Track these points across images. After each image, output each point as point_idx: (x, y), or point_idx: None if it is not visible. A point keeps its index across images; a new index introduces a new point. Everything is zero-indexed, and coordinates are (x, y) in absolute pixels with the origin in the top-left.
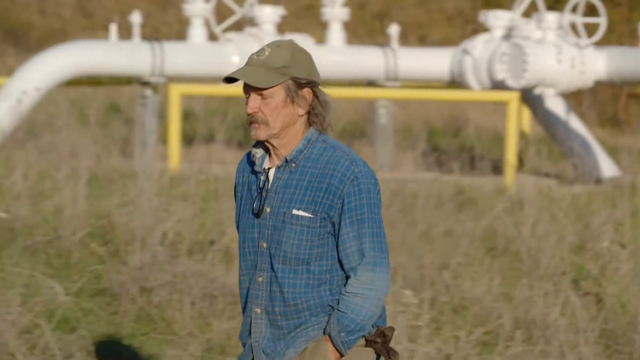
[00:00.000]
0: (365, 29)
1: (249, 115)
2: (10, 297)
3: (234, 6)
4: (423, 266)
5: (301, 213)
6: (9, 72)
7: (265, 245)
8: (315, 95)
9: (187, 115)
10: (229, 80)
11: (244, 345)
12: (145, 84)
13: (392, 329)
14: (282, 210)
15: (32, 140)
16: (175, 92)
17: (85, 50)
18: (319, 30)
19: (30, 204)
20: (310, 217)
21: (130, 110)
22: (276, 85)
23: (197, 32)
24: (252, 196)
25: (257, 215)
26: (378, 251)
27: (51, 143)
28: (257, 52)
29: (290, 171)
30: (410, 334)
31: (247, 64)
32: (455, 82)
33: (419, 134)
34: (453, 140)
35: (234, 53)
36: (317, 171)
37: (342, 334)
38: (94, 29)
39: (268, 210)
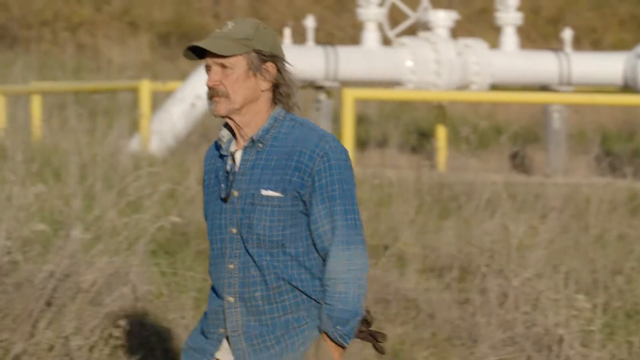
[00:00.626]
0: (538, 33)
1: (209, 88)
2: (184, 301)
3: (407, 10)
4: (596, 271)
5: (270, 193)
6: (182, 76)
7: (235, 230)
8: (279, 71)
9: (361, 120)
10: (192, 54)
11: (205, 335)
12: (319, 88)
13: (368, 312)
14: (251, 192)
15: (205, 144)
16: (349, 96)
17: None
18: (492, 34)
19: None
20: (280, 196)
21: (305, 114)
22: (238, 56)
23: (370, 36)
24: (219, 182)
25: (225, 199)
26: (352, 228)
27: None
28: (221, 26)
29: (258, 151)
30: (583, 339)
31: (210, 37)
32: (629, 87)
33: (592, 139)
34: (626, 145)
35: (408, 57)
36: (285, 149)
37: (338, 327)
38: None
39: (236, 193)
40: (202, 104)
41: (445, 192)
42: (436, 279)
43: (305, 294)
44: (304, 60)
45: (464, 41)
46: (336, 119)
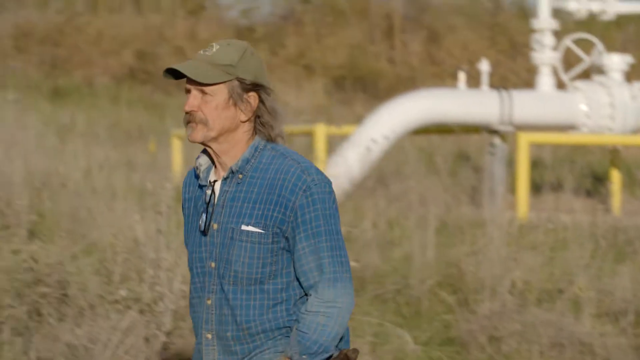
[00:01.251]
0: None
1: (186, 113)
2: (360, 345)
3: (582, 54)
4: None
5: (251, 228)
6: (358, 120)
7: (213, 264)
8: (262, 101)
9: (535, 164)
10: (171, 73)
11: None
12: (494, 132)
13: (355, 351)
14: (231, 226)
15: (381, 188)
16: (524, 140)
17: (434, 99)
18: None
19: (380, 253)
20: (261, 232)
21: (479, 159)
22: (219, 84)
23: (545, 80)
24: (198, 212)
25: (204, 232)
26: (338, 265)
27: (400, 191)
28: (206, 48)
29: (238, 183)
30: None
31: (193, 59)
32: None
33: None
34: None
35: (582, 101)
36: (266, 182)
37: (304, 357)
38: (442, 77)
39: (215, 226)
40: (378, 147)
41: (620, 236)
42: (611, 324)
43: (278, 329)
44: (479, 104)
45: (639, 85)
46: (511, 162)
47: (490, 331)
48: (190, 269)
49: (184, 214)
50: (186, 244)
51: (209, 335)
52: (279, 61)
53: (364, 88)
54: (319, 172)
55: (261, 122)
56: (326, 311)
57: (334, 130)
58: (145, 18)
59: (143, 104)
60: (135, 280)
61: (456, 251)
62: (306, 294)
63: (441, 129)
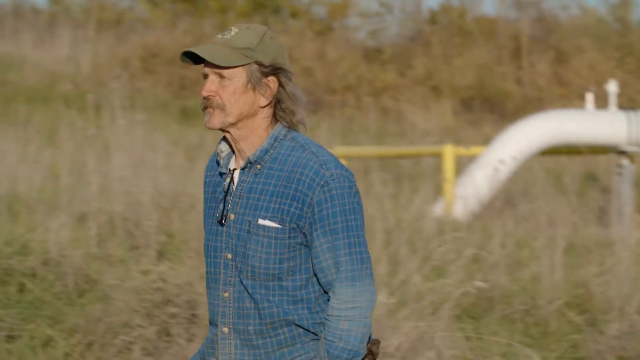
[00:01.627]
0: None
1: (204, 98)
2: None
3: None
4: None
5: (267, 223)
6: (486, 140)
7: (229, 256)
8: (281, 86)
9: None
10: (190, 57)
11: None
12: (622, 153)
13: (376, 342)
14: (247, 219)
15: (509, 209)
16: None
17: (562, 120)
18: None
19: (508, 273)
20: (277, 227)
21: (607, 179)
22: (237, 67)
23: None
24: (216, 199)
25: (221, 222)
26: (357, 263)
27: (528, 212)
28: (224, 31)
29: (256, 174)
30: None
31: (211, 43)
32: None
33: None
34: None
35: None
36: (284, 174)
37: None
38: (570, 98)
39: (232, 217)
40: (506, 168)
41: None
42: None
43: (302, 328)
44: (606, 125)
45: None
46: (638, 183)
47: (619, 352)
48: (206, 257)
49: (204, 198)
50: (205, 229)
51: (226, 329)
52: (407, 82)
53: (491, 109)
54: (339, 166)
55: (282, 108)
56: (347, 314)
57: (462, 151)
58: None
59: None
60: None
61: (584, 271)
62: (325, 292)
63: (569, 150)
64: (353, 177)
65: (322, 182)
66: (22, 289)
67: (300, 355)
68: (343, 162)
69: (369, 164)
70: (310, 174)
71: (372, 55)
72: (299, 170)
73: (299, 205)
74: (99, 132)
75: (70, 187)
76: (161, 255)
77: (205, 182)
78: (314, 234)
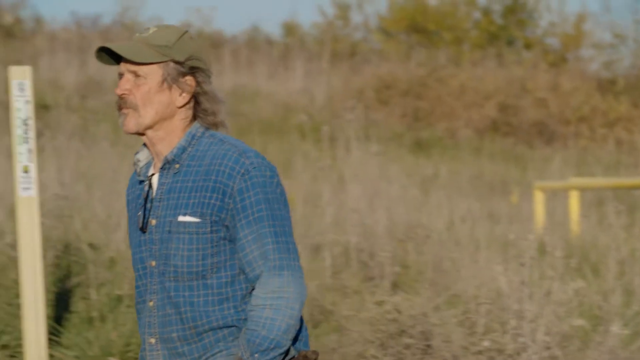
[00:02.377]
0: None
1: (118, 97)
2: None
3: None
4: None
5: (187, 219)
6: None
7: (153, 263)
8: (199, 86)
9: None
10: (107, 57)
11: None
12: None
13: (315, 353)
14: (168, 220)
15: None
16: None
17: None
18: None
19: None
20: (197, 221)
21: None
22: (153, 64)
23: None
24: (138, 210)
25: (143, 229)
26: (284, 252)
27: None
28: (142, 30)
29: (175, 173)
30: None
31: (128, 40)
32: None
33: None
34: None
35: None
36: (202, 169)
37: (256, 355)
38: None
39: (153, 222)
40: None
41: None
42: None
43: (227, 327)
44: None
45: None
46: None
47: None
48: (135, 272)
49: (128, 217)
50: (130, 247)
51: (152, 340)
52: None
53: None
54: (259, 156)
55: (202, 109)
56: (273, 303)
57: None
58: (507, 71)
59: (505, 156)
60: (498, 331)
61: None
62: (253, 288)
63: None
64: (275, 170)
65: (242, 171)
66: None
67: (220, 351)
68: (576, 194)
69: (603, 195)
70: (230, 163)
71: (606, 86)
72: (218, 161)
73: (219, 196)
74: (333, 163)
75: (305, 218)
76: (396, 286)
77: (127, 201)
78: (238, 225)
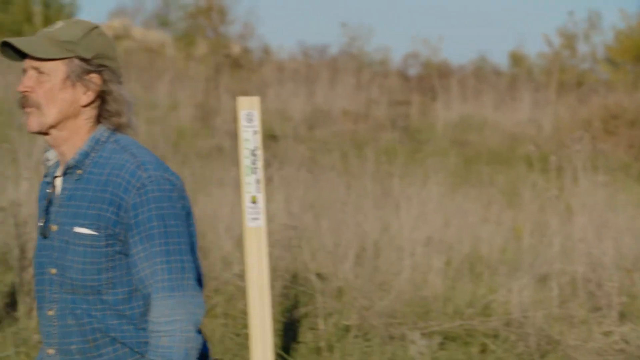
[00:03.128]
0: None
1: (21, 96)
2: None
3: None
4: None
5: (83, 230)
6: None
7: (54, 271)
8: (106, 85)
9: None
10: (13, 53)
11: None
12: None
13: None
14: (67, 229)
15: None
16: None
17: None
18: None
19: None
20: (93, 234)
21: None
22: (56, 61)
23: None
24: (42, 212)
25: (44, 235)
26: (176, 272)
27: None
28: (50, 25)
29: (77, 179)
30: None
31: (33, 35)
32: None
33: None
34: None
35: None
36: (102, 178)
37: None
38: None
39: (54, 228)
40: None
41: None
42: None
43: (128, 347)
44: None
45: None
46: None
47: None
48: (34, 274)
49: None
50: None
51: (51, 351)
52: None
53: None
54: (160, 168)
55: (107, 109)
56: (167, 329)
57: None
58: None
59: None
60: None
61: None
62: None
63: None
64: (178, 180)
65: (138, 184)
66: (484, 349)
67: None
68: None
69: None
70: (127, 176)
71: None
72: (116, 172)
73: (115, 210)
74: (560, 194)
75: (532, 248)
76: (623, 316)
77: (39, 197)
78: (131, 241)
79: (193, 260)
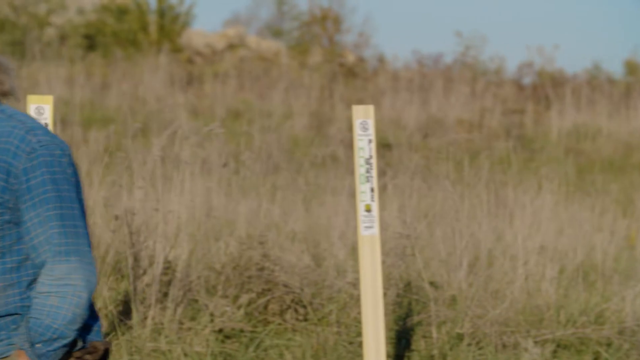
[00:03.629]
0: None
1: None
2: None
3: None
4: None
5: None
6: None
7: None
8: None
9: None
10: None
11: None
12: None
13: (107, 343)
14: None
15: None
16: None
17: None
18: None
19: None
20: None
21: None
22: None
23: None
24: None
25: None
26: (72, 237)
27: None
28: None
29: None
30: None
31: None
32: None
33: None
34: None
35: None
36: None
37: (38, 346)
38: None
39: None
40: None
41: None
42: None
43: (9, 315)
44: None
45: None
46: None
47: None
48: None
49: None
50: None
51: None
52: None
53: None
54: (48, 133)
55: None
56: (59, 291)
57: None
58: None
59: None
60: None
61: None
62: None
63: None
64: (67, 148)
65: (28, 149)
66: (597, 357)
67: (1, 340)
68: None
69: None
70: (16, 142)
71: None
72: (4, 139)
73: (4, 177)
74: None
75: None
76: None
77: None
78: (22, 207)
79: (85, 228)
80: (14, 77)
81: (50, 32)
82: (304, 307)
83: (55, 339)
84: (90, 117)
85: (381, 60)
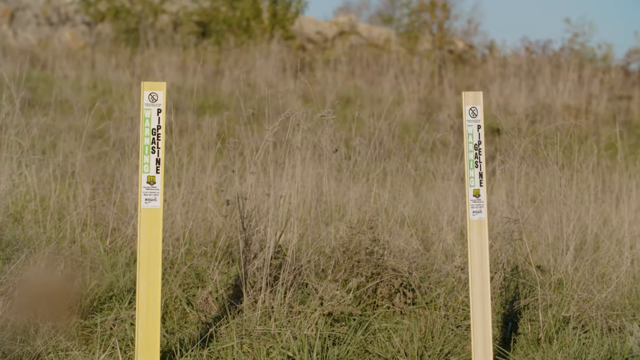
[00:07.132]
0: None
1: None
2: None
3: None
4: None
5: None
6: None
7: None
8: None
9: None
10: None
11: None
12: None
13: None
14: None
15: None
16: None
17: None
18: None
19: None
20: None
21: None
22: None
23: None
24: None
25: None
26: None
27: None
28: None
29: None
30: None
31: None
32: None
33: None
34: None
35: None
36: None
37: None
38: None
39: None
40: None
41: None
42: None
43: None
44: None
45: None
46: None
47: None
48: None
49: None
50: None
51: None
52: None
53: None
54: None
55: None
56: None
57: None
58: None
59: None
60: None
61: None
62: None
63: None
64: None
65: None
66: None
67: None
68: None
69: None
70: None
71: None
72: None
73: None
74: None
75: None
76: None
77: None
78: None
79: None
80: None
81: (163, 20)
82: (413, 290)
83: None
84: (203, 103)
85: (490, 47)
